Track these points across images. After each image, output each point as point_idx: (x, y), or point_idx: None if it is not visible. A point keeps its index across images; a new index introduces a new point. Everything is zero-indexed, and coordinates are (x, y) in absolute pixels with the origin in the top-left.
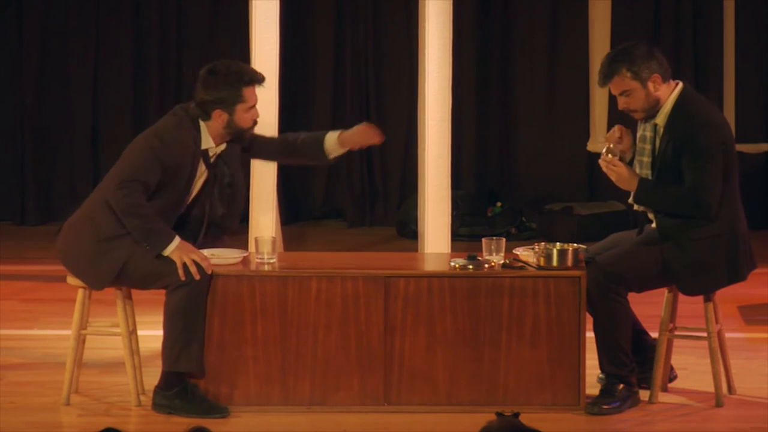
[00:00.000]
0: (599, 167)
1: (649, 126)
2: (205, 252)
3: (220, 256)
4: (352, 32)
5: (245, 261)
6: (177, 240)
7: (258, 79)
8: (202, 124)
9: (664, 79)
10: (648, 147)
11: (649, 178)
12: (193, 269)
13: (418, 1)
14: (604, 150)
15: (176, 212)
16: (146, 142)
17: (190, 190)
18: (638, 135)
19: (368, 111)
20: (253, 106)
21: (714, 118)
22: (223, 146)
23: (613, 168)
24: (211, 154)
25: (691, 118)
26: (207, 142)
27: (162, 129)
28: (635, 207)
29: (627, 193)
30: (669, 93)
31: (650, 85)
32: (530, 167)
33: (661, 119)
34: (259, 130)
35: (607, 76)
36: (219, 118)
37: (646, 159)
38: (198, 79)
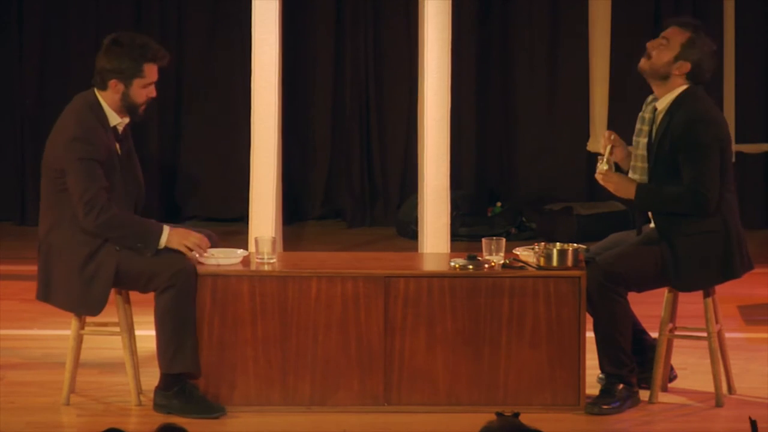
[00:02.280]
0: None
1: (649, 108)
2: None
3: (220, 256)
4: (352, 33)
5: (245, 261)
6: (167, 229)
7: (161, 58)
8: (102, 101)
9: (690, 78)
10: (646, 128)
11: (645, 160)
12: (199, 251)
13: (418, 2)
14: (598, 163)
15: (131, 195)
16: (73, 153)
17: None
18: (639, 116)
19: (368, 111)
20: (152, 84)
21: (711, 114)
22: (127, 119)
23: (609, 180)
24: (120, 129)
25: (688, 113)
26: (114, 119)
27: (75, 132)
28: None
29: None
30: (679, 85)
31: (680, 64)
32: (530, 167)
33: (661, 105)
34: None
35: (679, 21)
36: (115, 87)
37: (643, 140)
38: (101, 47)
